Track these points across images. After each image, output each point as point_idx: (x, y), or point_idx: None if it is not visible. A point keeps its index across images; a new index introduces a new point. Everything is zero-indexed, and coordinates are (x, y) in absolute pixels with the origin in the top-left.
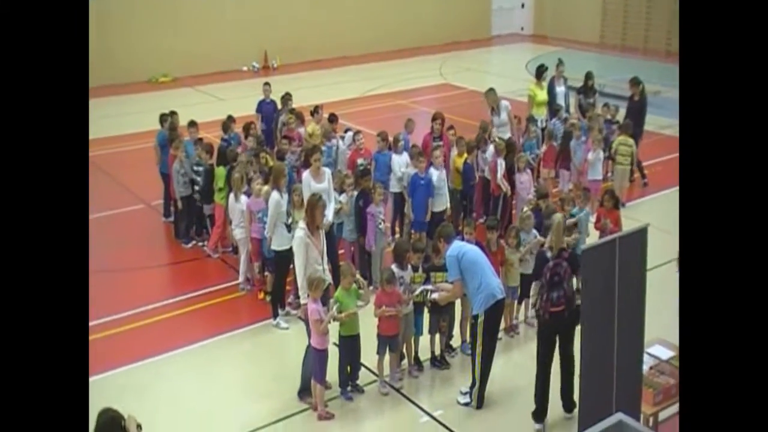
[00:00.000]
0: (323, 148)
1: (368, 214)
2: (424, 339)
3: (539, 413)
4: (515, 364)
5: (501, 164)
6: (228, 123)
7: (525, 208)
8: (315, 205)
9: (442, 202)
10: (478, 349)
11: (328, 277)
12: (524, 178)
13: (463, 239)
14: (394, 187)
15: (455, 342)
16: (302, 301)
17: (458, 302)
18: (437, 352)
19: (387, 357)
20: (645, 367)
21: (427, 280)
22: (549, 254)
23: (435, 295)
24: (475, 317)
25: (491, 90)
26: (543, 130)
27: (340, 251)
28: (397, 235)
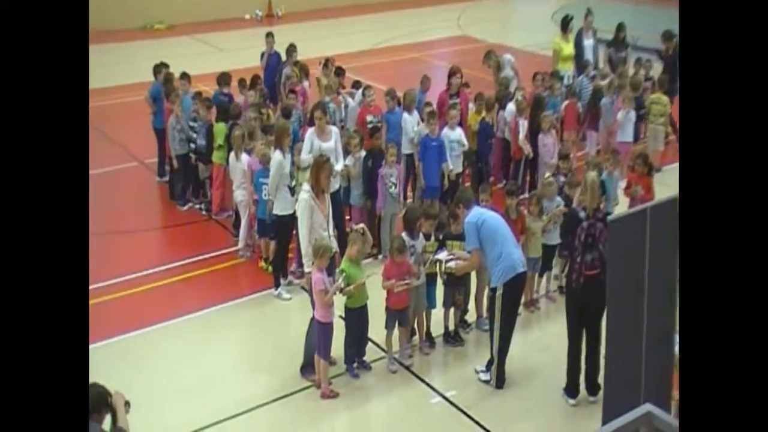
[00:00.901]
0: (330, 105)
1: (379, 175)
2: (437, 313)
3: (573, 389)
4: (535, 341)
5: (523, 124)
6: (225, 77)
7: (548, 174)
8: (321, 166)
9: (459, 165)
10: (496, 325)
11: (335, 245)
12: (548, 140)
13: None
14: (406, 149)
15: (470, 317)
16: (306, 270)
17: (473, 274)
18: (451, 327)
19: (396, 332)
20: (676, 349)
21: (440, 249)
22: (582, 214)
23: (452, 264)
24: (494, 290)
25: (488, 53)
26: (569, 87)
27: (347, 218)
28: (409, 201)
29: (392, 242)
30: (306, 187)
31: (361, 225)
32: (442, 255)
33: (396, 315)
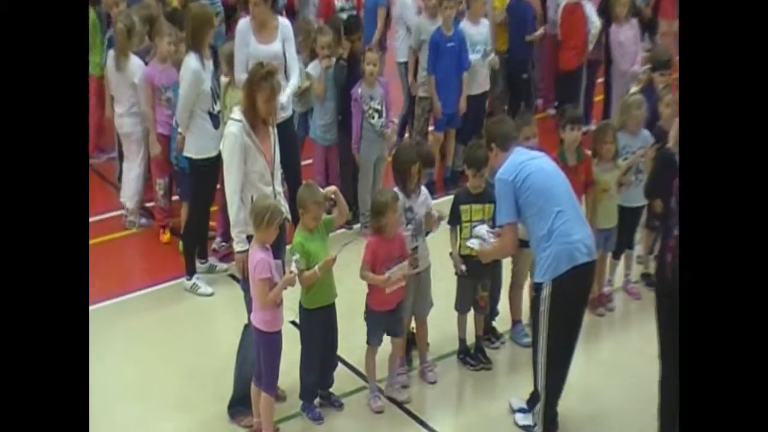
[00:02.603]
0: None
1: (353, 98)
2: (448, 318)
3: None
4: (606, 362)
5: (589, 7)
6: None
7: (632, 88)
8: (259, 82)
9: (482, 80)
10: (543, 342)
11: (285, 207)
12: (627, 35)
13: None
14: (402, 53)
15: (502, 323)
16: (237, 248)
17: (506, 259)
18: (470, 340)
19: (384, 348)
20: None
21: (476, 223)
22: None
23: (473, 243)
24: (539, 288)
25: None
26: None
27: (306, 162)
28: (406, 137)
29: (376, 201)
30: (236, 114)
31: (332, 188)
32: (481, 231)
33: (383, 321)
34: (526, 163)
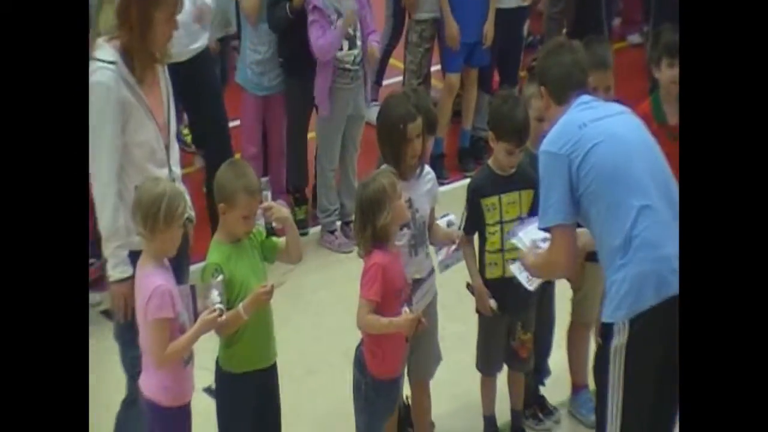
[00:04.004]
0: None
1: (311, 6)
2: (465, 382)
3: None
4: None
5: None
6: None
7: None
8: None
9: None
10: (616, 418)
11: (187, 200)
12: None
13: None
14: None
15: (555, 391)
16: (115, 275)
17: (558, 285)
18: (504, 418)
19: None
20: None
21: (523, 221)
22: None
23: (519, 241)
24: (609, 331)
25: None
26: None
27: (233, 124)
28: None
29: (369, 191)
30: (106, 51)
31: (282, 213)
32: (525, 237)
33: (386, 394)
34: (592, 125)
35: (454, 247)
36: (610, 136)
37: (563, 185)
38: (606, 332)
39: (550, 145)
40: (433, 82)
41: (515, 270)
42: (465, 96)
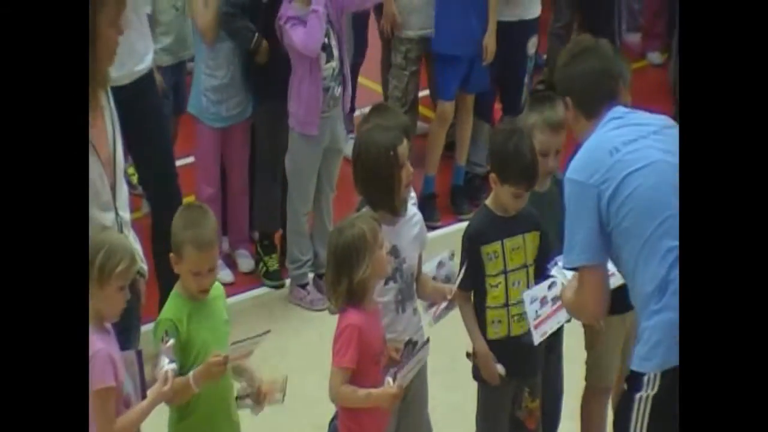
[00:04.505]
0: None
1: (280, 21)
2: None
3: None
4: None
5: None
6: None
7: None
8: None
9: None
10: None
11: (138, 249)
12: None
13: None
14: None
15: None
16: None
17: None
18: None
19: None
20: None
21: (545, 275)
22: None
23: (560, 274)
24: (638, 380)
25: None
26: None
27: (188, 161)
28: None
29: (345, 238)
30: None
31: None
32: (550, 291)
33: None
34: (625, 149)
35: (444, 304)
36: (646, 163)
37: (592, 220)
38: (633, 381)
39: (577, 172)
40: (421, 109)
41: (561, 275)
42: (459, 126)
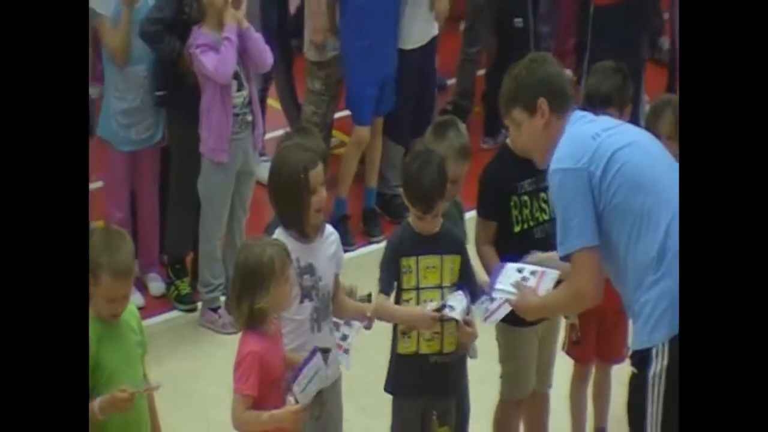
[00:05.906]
0: None
1: (191, 48)
2: None
3: None
4: None
5: None
6: None
7: None
8: None
9: (423, 19)
10: None
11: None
12: None
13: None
14: None
15: None
16: None
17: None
18: None
19: None
20: None
21: (459, 288)
22: None
23: (504, 291)
24: (646, 358)
25: None
26: None
27: (97, 185)
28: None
29: (249, 263)
30: None
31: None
32: (504, 286)
33: None
34: (605, 134)
35: (364, 323)
36: (629, 142)
37: (585, 202)
38: (642, 360)
39: (564, 161)
40: (334, 132)
41: (505, 292)
42: (368, 149)
